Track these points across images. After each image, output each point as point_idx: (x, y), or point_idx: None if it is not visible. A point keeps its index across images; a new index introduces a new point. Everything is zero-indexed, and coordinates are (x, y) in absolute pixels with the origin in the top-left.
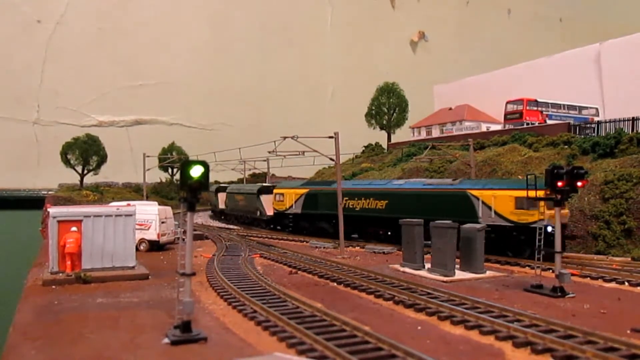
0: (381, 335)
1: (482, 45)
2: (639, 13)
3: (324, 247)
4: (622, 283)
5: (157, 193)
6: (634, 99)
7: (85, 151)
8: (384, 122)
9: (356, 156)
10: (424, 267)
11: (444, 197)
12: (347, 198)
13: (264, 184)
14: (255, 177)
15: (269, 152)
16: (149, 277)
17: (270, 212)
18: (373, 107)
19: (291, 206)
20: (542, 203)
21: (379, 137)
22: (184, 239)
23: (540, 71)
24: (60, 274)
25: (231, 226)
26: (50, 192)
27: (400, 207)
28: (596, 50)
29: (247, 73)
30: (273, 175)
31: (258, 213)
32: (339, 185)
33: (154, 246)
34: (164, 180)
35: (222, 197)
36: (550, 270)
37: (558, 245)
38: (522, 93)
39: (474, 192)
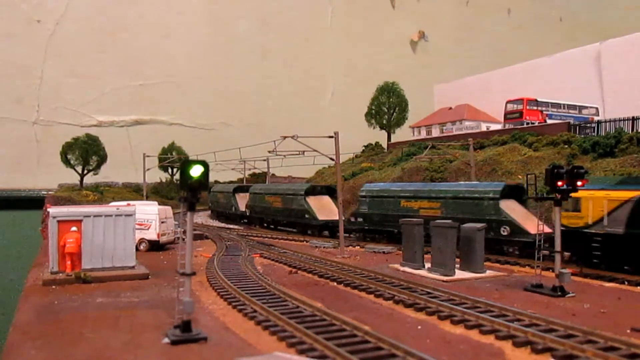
0: (381, 335)
1: (482, 45)
2: (639, 13)
3: (324, 247)
4: (622, 282)
5: (157, 193)
6: (634, 98)
7: (85, 151)
8: (384, 121)
9: (356, 156)
10: (424, 266)
11: None
12: None
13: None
14: (256, 177)
15: (269, 152)
16: (149, 276)
17: (532, 230)
18: (373, 107)
19: (599, 221)
20: None
21: (379, 136)
22: (184, 239)
23: (540, 71)
24: (60, 274)
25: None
26: (50, 192)
27: None
28: (596, 49)
29: (247, 73)
30: (273, 175)
31: (505, 231)
32: (339, 186)
33: (154, 246)
34: (164, 180)
35: (318, 202)
36: (551, 270)
37: (558, 245)
38: (522, 93)
39: None
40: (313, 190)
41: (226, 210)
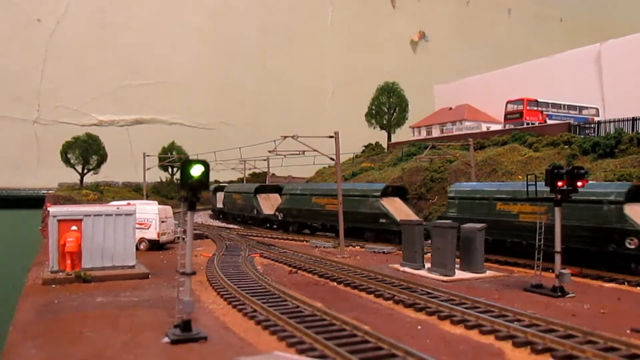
0: (381, 335)
1: (482, 45)
2: (639, 12)
3: (324, 247)
4: (622, 283)
5: (157, 192)
6: (634, 99)
7: (85, 150)
8: (384, 121)
9: (356, 156)
10: (423, 266)
11: None
12: None
13: None
14: (256, 177)
15: (269, 152)
16: (149, 276)
17: None
18: (373, 107)
19: None
20: None
21: (379, 136)
22: (184, 238)
23: (540, 71)
24: (60, 273)
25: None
26: (50, 192)
27: None
28: (597, 50)
29: (247, 72)
30: (273, 174)
31: None
32: (338, 186)
33: (154, 245)
34: (164, 179)
35: (392, 204)
36: (550, 270)
37: (558, 245)
38: (523, 93)
39: None
40: (385, 191)
41: (244, 213)
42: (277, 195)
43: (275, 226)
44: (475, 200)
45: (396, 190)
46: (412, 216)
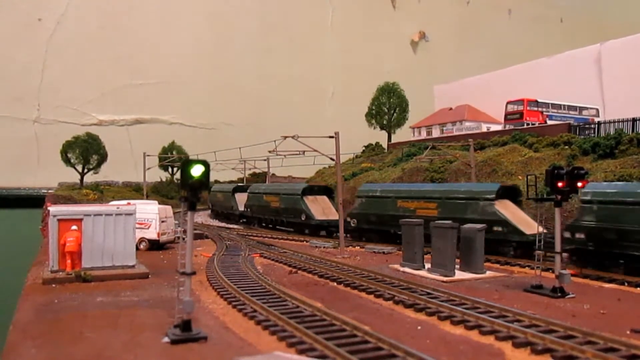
0: (381, 335)
1: (483, 45)
2: (639, 13)
3: (324, 247)
4: (622, 284)
5: (158, 192)
6: (634, 99)
7: (86, 150)
8: (384, 122)
9: (356, 156)
10: (424, 267)
11: None
12: None
13: None
14: (256, 177)
15: (269, 152)
16: (149, 276)
17: None
18: (373, 107)
19: None
20: None
21: (379, 137)
22: (184, 238)
23: (540, 71)
24: (61, 273)
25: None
26: (50, 191)
27: None
28: (597, 50)
29: (247, 72)
30: (273, 174)
31: None
32: (339, 186)
33: (154, 245)
34: (164, 179)
35: (505, 207)
36: (551, 271)
37: (558, 246)
38: (523, 93)
39: None
40: (498, 193)
41: (284, 218)
42: (325, 197)
43: (323, 233)
44: (623, 205)
45: (507, 191)
46: (530, 224)
